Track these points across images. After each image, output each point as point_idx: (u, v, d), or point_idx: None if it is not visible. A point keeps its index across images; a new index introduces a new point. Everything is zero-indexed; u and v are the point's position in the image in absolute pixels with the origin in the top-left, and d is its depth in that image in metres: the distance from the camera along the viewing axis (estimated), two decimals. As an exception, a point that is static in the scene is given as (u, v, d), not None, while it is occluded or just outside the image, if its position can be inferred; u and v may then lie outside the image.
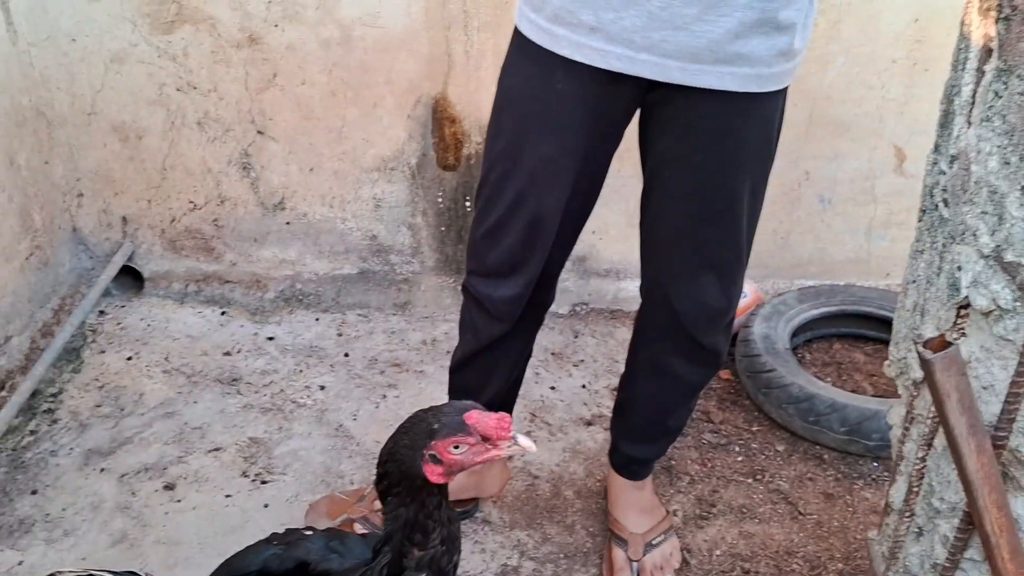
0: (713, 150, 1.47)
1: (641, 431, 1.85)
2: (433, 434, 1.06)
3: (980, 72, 1.08)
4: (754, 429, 2.25)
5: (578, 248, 2.66)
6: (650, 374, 1.77)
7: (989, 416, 1.08)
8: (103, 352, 2.46)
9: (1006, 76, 1.01)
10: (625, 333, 1.85)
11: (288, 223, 2.65)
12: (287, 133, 2.52)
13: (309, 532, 1.30)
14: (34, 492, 2.02)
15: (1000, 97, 1.02)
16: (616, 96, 1.46)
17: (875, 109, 2.49)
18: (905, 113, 2.47)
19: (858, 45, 2.39)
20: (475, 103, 2.46)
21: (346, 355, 2.50)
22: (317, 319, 2.64)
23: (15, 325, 2.30)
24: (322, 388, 2.37)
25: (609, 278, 2.72)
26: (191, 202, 2.61)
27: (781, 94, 1.49)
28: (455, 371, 1.84)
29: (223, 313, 2.65)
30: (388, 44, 2.38)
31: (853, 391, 2.31)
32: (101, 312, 2.60)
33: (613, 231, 2.62)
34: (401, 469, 1.09)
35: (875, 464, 2.13)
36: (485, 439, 1.05)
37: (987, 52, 1.06)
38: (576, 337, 2.59)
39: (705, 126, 1.46)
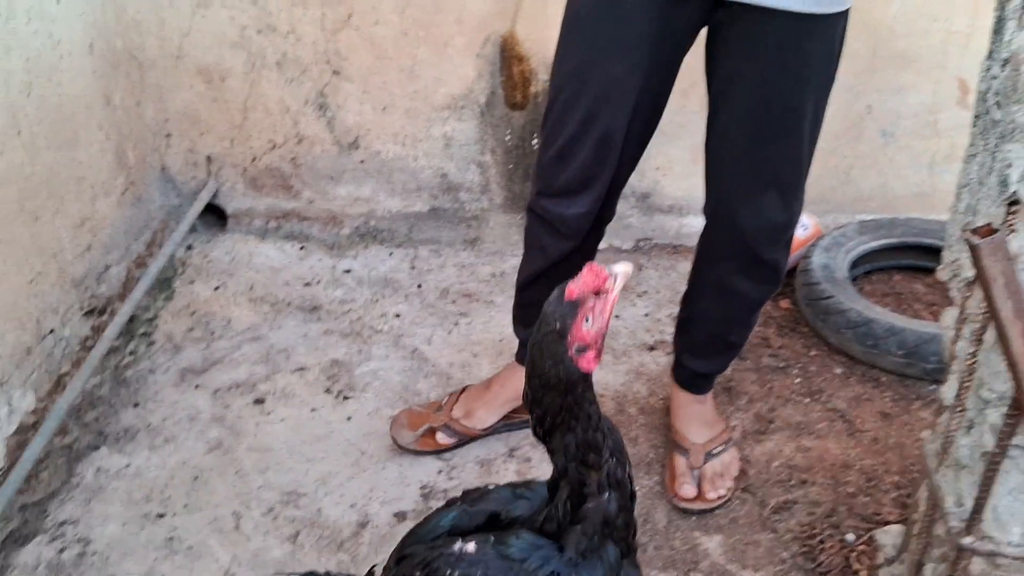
0: (778, 68, 1.54)
1: (704, 346, 1.94)
2: (563, 332, 1.04)
3: (1033, -23, 1.13)
4: (812, 354, 2.32)
5: (642, 184, 2.75)
6: (714, 292, 1.85)
7: (1037, 306, 1.14)
8: (192, 282, 2.62)
9: (1056, -23, 1.06)
10: (687, 267, 1.93)
11: (362, 161, 2.77)
12: (361, 73, 2.62)
13: (491, 487, 1.27)
14: (136, 405, 2.18)
15: (1050, -2, 1.08)
16: (683, 12, 1.53)
17: (939, 42, 2.50)
18: (970, 46, 2.48)
19: (923, -23, 2.41)
20: (543, 41, 2.54)
21: (419, 286, 2.62)
22: (391, 253, 2.77)
23: (113, 255, 2.46)
24: (397, 316, 2.49)
25: (672, 214, 2.79)
26: (271, 141, 2.74)
27: (843, 16, 1.55)
28: (523, 289, 1.93)
29: (302, 248, 2.78)
30: (458, -17, 2.47)
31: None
32: (189, 246, 2.76)
33: (677, 167, 2.68)
34: (560, 389, 1.06)
35: (932, 387, 2.19)
36: (596, 295, 1.05)
37: (1039, -43, 1.11)
38: (640, 270, 2.68)
39: (770, 44, 1.52)
